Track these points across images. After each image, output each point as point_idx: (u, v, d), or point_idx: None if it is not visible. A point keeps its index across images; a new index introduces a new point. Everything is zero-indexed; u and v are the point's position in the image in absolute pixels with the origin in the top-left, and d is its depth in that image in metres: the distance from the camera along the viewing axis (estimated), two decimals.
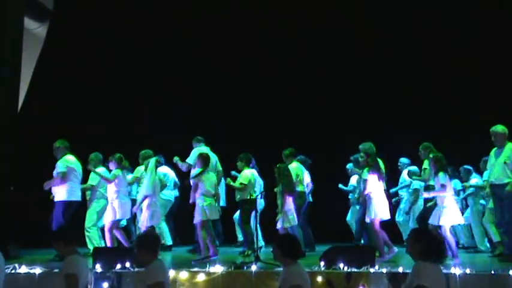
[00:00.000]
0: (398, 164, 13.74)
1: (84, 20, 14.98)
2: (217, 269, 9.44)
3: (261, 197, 12.21)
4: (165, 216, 13.30)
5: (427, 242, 6.23)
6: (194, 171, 11.79)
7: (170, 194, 13.58)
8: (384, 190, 11.26)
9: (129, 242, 11.86)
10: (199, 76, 15.65)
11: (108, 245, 11.78)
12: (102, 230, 12.30)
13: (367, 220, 11.17)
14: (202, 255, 11.26)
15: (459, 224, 11.70)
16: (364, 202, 11.44)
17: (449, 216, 10.69)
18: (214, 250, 11.24)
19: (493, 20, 14.27)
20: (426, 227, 10.44)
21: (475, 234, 13.02)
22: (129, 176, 12.60)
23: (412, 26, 14.85)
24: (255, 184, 12.65)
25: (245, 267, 9.62)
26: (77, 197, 12.00)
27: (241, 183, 12.49)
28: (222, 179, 12.87)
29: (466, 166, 13.13)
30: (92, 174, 12.34)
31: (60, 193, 11.76)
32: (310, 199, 13.21)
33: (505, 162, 10.70)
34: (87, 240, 12.11)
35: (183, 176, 13.41)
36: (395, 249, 10.93)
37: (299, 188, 12.39)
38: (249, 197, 12.12)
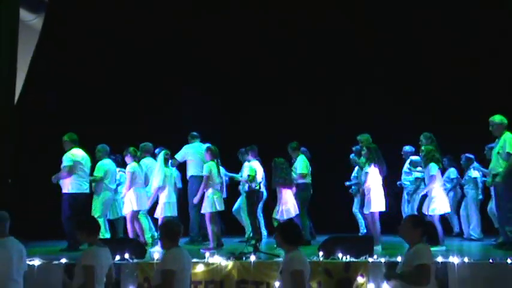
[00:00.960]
0: (402, 152, 13.69)
1: (84, 20, 15.01)
2: (216, 259, 9.46)
3: (259, 188, 12.24)
4: None
5: (426, 227, 6.52)
6: (205, 165, 11.86)
7: None
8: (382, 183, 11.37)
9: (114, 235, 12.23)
10: (199, 76, 15.64)
11: (130, 236, 11.93)
12: (109, 221, 12.58)
13: (366, 212, 11.37)
14: (211, 245, 11.52)
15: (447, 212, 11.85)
16: (363, 194, 11.57)
17: (438, 205, 11.04)
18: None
19: (493, 20, 14.27)
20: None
21: (471, 222, 13.11)
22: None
23: (412, 26, 14.86)
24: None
25: (244, 258, 9.60)
26: (83, 189, 12.03)
27: (249, 175, 12.68)
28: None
29: (467, 155, 13.31)
30: (97, 166, 12.39)
31: (66, 186, 11.87)
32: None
33: (498, 153, 10.85)
34: None
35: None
36: None
37: (306, 180, 12.67)
38: (254, 188, 12.28)
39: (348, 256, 9.33)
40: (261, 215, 12.68)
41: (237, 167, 13.74)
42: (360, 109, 15.01)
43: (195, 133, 13.27)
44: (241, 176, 13.36)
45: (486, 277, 8.93)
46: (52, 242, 12.37)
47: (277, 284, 8.95)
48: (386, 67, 15.10)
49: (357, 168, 13.47)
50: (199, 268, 9.25)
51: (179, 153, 12.98)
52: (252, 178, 12.55)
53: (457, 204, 13.62)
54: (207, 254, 9.87)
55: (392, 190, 12.75)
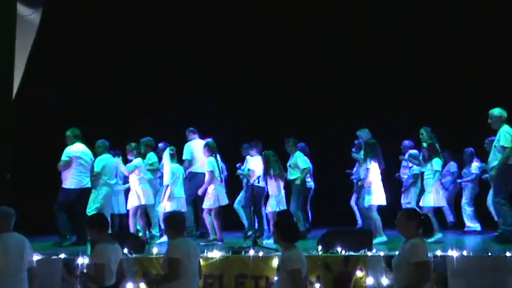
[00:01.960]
0: (401, 147, 13.67)
1: (84, 20, 15.02)
2: (215, 254, 9.48)
3: (258, 182, 12.20)
4: None
5: (420, 219, 6.49)
6: (208, 161, 11.91)
7: None
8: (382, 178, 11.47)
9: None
10: (199, 76, 15.66)
11: (131, 230, 12.03)
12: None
13: (365, 205, 11.43)
14: (211, 238, 11.67)
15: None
16: (361, 187, 11.75)
17: (433, 199, 11.19)
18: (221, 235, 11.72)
19: (493, 20, 14.26)
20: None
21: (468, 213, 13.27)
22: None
23: (412, 26, 14.86)
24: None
25: (243, 252, 9.63)
26: (83, 184, 12.11)
27: (249, 170, 12.85)
28: None
29: (470, 149, 13.43)
30: (95, 161, 12.38)
31: (67, 181, 12.00)
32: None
33: (494, 146, 10.90)
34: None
35: None
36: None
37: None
38: (257, 183, 12.22)
39: (347, 250, 9.32)
40: (263, 209, 12.67)
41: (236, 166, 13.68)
42: (360, 109, 14.99)
43: (193, 129, 13.31)
44: (246, 170, 13.22)
45: (485, 270, 8.89)
46: (50, 237, 12.35)
47: (275, 278, 8.94)
48: (386, 67, 15.07)
49: (357, 164, 13.47)
50: None
51: (186, 153, 13.01)
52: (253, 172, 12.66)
53: (455, 197, 13.77)
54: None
55: (391, 184, 12.72)
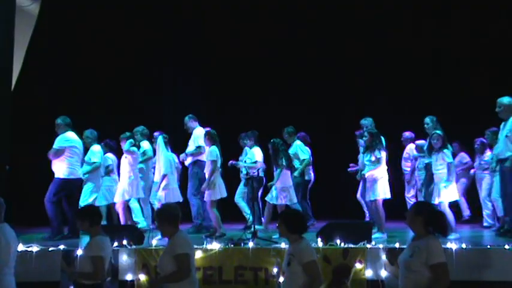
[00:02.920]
0: (402, 139, 13.53)
1: (84, 20, 15.12)
2: (215, 245, 9.45)
3: (258, 173, 12.16)
4: None
5: (428, 215, 6.08)
6: (210, 150, 11.52)
7: None
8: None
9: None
10: (199, 75, 15.77)
11: (122, 222, 11.99)
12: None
13: (372, 198, 11.05)
14: (218, 233, 11.29)
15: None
16: (363, 180, 11.56)
17: (449, 193, 10.63)
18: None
19: (495, 20, 14.38)
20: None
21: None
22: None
23: (411, 26, 14.98)
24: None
25: (242, 244, 9.63)
26: (77, 174, 11.83)
27: (256, 161, 12.56)
28: None
29: (482, 139, 12.73)
30: (92, 152, 12.37)
31: (60, 171, 11.57)
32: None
33: (506, 136, 10.39)
34: None
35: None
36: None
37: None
38: (257, 175, 12.09)
39: (347, 242, 9.29)
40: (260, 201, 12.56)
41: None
42: (360, 109, 14.96)
43: (193, 115, 13.00)
44: (245, 161, 12.92)
45: (484, 263, 8.91)
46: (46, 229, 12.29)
47: (275, 270, 8.97)
48: (386, 67, 15.13)
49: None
50: (198, 254, 9.05)
51: (195, 139, 12.57)
52: (254, 163, 12.50)
53: (468, 189, 13.46)
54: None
55: (392, 177, 12.60)
